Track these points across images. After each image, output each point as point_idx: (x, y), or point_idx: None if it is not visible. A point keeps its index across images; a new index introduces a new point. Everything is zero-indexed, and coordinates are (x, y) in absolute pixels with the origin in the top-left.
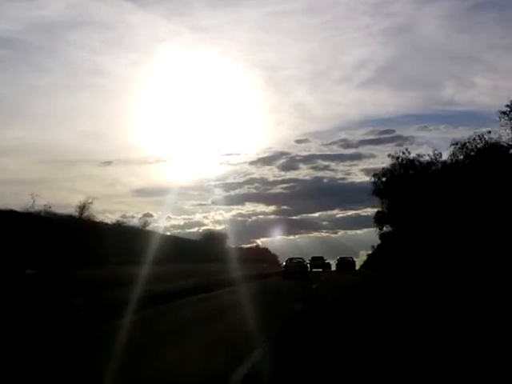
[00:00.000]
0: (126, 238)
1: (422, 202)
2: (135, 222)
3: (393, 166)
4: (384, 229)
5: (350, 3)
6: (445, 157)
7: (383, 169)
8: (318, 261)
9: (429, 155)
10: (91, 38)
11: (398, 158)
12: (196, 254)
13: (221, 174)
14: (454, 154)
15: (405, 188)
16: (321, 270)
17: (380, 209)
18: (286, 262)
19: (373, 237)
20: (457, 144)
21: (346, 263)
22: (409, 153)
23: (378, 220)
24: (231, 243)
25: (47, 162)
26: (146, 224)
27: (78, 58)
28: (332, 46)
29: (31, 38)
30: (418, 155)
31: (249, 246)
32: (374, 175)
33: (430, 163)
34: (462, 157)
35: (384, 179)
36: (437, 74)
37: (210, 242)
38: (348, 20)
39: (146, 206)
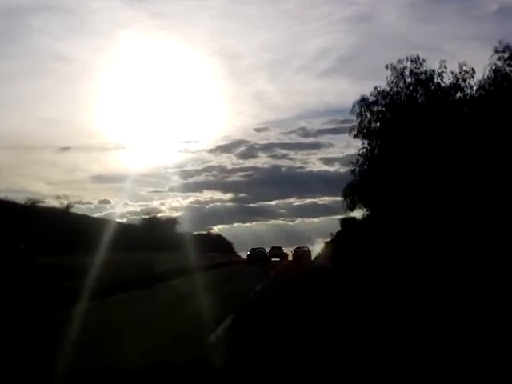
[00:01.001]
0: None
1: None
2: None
3: (393, 83)
4: (355, 210)
5: None
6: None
7: (377, 89)
8: (276, 251)
9: (453, 74)
10: (53, 24)
11: (401, 72)
12: (139, 240)
13: (179, 162)
14: (496, 69)
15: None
16: (278, 259)
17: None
18: (250, 251)
19: (330, 225)
20: (504, 51)
21: (301, 253)
22: (421, 63)
23: (349, 193)
24: (182, 229)
25: (6, 148)
26: (69, 206)
27: (39, 43)
28: (293, 35)
29: None
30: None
31: (201, 232)
32: (362, 101)
33: (453, 86)
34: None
35: (376, 109)
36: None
37: (155, 228)
38: (309, 9)
39: (104, 193)
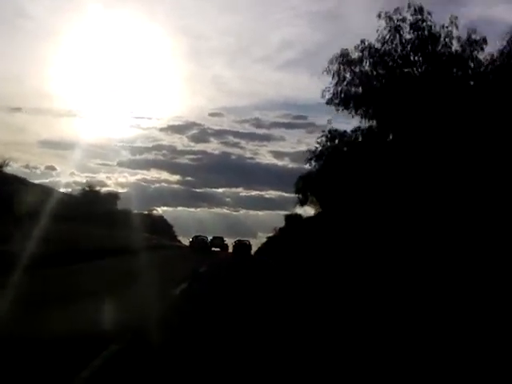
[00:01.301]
0: None
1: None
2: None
3: (386, 39)
4: (305, 206)
5: None
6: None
7: (364, 43)
8: (218, 241)
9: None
10: None
11: (398, 25)
12: (74, 213)
13: (130, 137)
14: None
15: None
16: (219, 249)
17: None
18: (193, 238)
19: (274, 219)
20: None
21: (242, 246)
22: (425, 17)
23: (302, 187)
24: (123, 206)
25: None
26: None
27: None
28: (258, 23)
29: None
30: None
31: (142, 212)
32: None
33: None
34: None
35: (359, 69)
36: None
37: (94, 201)
38: None
39: (51, 159)
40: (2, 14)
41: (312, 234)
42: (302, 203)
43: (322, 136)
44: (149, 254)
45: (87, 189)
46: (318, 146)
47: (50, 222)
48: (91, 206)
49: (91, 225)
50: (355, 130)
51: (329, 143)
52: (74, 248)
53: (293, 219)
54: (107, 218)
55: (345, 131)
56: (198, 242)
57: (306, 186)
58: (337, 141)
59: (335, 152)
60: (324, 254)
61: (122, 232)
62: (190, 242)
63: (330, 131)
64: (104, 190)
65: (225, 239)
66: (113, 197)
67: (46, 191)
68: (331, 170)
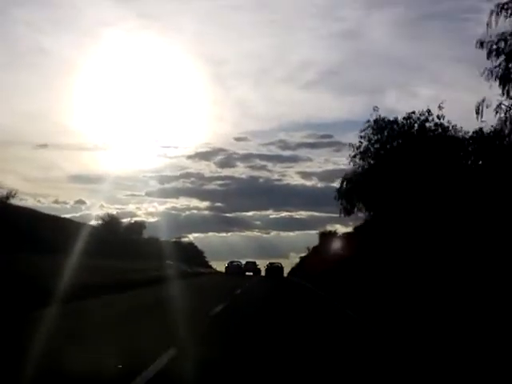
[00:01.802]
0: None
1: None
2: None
3: None
4: (352, 213)
5: (300, 4)
6: None
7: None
8: (250, 265)
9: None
10: (35, 16)
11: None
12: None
13: (157, 166)
14: None
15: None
16: (252, 273)
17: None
18: (228, 264)
19: (306, 239)
20: None
21: (274, 269)
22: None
23: (345, 193)
24: (151, 235)
25: None
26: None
27: (20, 35)
28: (279, 45)
29: None
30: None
31: (170, 240)
32: None
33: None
34: None
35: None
36: (380, 81)
37: (117, 232)
38: (297, 20)
39: (81, 193)
40: (19, 51)
41: (355, 248)
42: (348, 211)
43: (368, 128)
44: (186, 280)
45: (106, 218)
46: (361, 140)
47: (84, 255)
48: (116, 236)
49: (119, 255)
50: (408, 117)
51: (376, 136)
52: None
53: (327, 236)
54: (132, 247)
55: (395, 119)
56: (233, 267)
57: (351, 190)
58: (386, 132)
59: (386, 145)
60: (377, 272)
61: (154, 261)
62: (226, 267)
63: (376, 121)
64: (126, 220)
65: (257, 263)
66: (138, 226)
67: (64, 223)
68: (383, 168)
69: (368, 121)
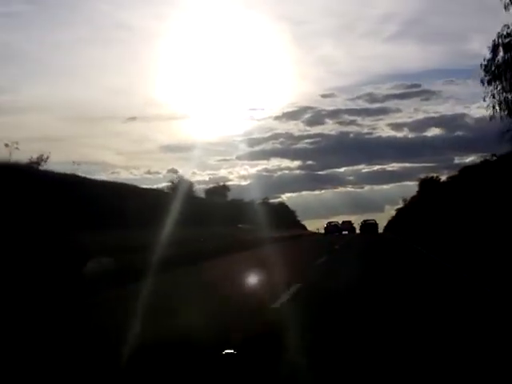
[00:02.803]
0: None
1: None
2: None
3: None
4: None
5: None
6: None
7: None
8: (347, 225)
9: None
10: None
11: None
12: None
13: (245, 130)
14: None
15: None
16: (347, 232)
17: None
18: (327, 224)
19: (400, 191)
20: None
21: (368, 226)
22: None
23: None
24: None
25: (71, 119)
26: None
27: (100, 12)
28: (358, 1)
29: None
30: None
31: (258, 200)
32: None
33: None
34: None
35: None
36: (465, 26)
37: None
38: None
39: (173, 162)
40: (100, 28)
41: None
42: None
43: None
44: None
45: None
46: None
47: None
48: (194, 201)
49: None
50: None
51: None
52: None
53: (429, 184)
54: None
55: None
56: (332, 227)
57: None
58: None
59: None
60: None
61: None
62: (325, 227)
63: None
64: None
65: (352, 221)
66: (221, 189)
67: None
68: None
69: None
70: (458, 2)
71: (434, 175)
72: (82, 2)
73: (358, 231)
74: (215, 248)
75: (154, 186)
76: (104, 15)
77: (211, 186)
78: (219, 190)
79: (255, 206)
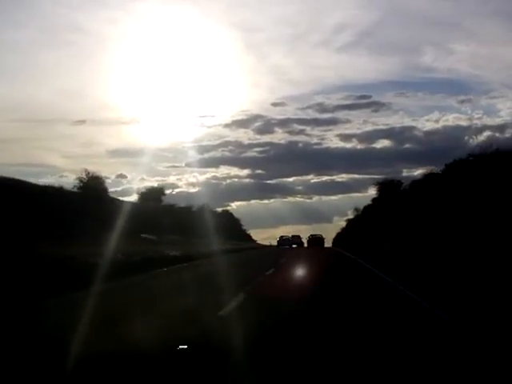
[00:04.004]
0: None
1: None
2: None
3: None
4: None
5: None
6: None
7: None
8: (296, 238)
9: None
10: None
11: None
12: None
13: (195, 137)
14: None
15: None
16: (296, 246)
17: None
18: (279, 238)
19: (348, 202)
20: None
21: (315, 240)
22: None
23: None
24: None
25: (20, 121)
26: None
27: (54, 13)
28: (312, 9)
29: None
30: None
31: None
32: None
33: None
34: None
35: None
36: (416, 40)
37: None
38: None
39: (121, 167)
40: (55, 30)
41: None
42: None
43: None
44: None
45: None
46: None
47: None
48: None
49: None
50: None
51: None
52: None
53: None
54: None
55: None
56: (283, 241)
57: None
58: None
59: None
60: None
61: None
62: (278, 241)
63: None
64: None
65: (301, 236)
66: (156, 192)
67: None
68: None
69: None
70: (410, 15)
71: (395, 178)
72: (36, 3)
73: (305, 245)
74: None
75: None
76: (58, 17)
77: (144, 189)
78: (154, 194)
79: (191, 212)
